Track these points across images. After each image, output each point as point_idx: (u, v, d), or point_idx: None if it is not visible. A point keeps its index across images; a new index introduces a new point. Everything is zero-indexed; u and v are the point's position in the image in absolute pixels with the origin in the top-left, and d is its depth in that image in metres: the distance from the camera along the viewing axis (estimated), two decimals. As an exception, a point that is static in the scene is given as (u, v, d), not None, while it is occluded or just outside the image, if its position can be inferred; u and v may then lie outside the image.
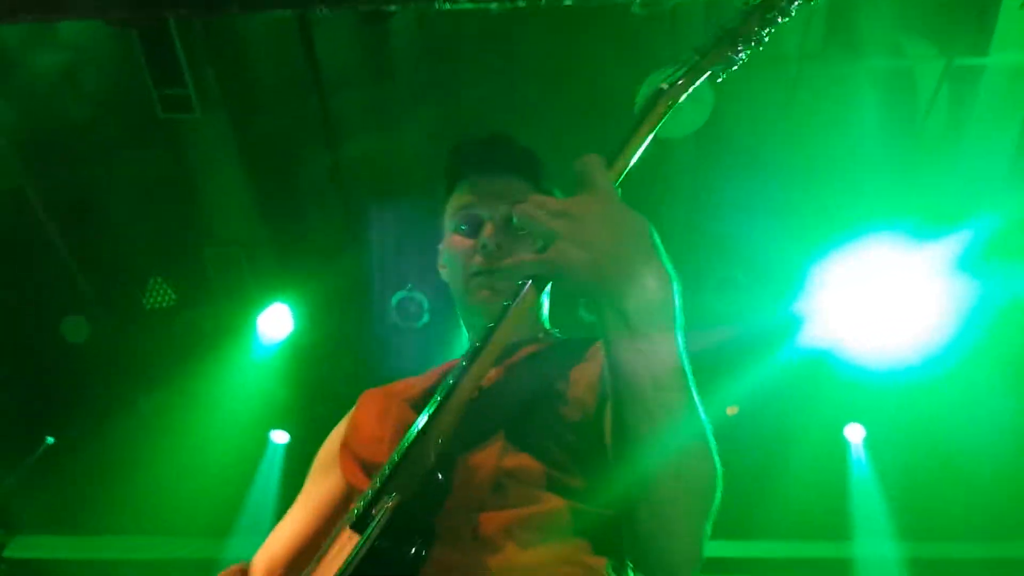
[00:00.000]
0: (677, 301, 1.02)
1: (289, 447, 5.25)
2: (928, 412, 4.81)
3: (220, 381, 4.78)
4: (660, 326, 1.02)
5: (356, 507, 1.17)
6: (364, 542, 1.06)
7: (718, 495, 1.09)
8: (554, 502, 1.25)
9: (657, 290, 1.01)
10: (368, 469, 1.41)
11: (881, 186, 4.02)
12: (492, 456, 1.27)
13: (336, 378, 5.00)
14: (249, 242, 4.61)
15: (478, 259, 1.53)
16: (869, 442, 5.23)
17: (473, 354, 1.12)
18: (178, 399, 4.81)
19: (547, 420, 1.31)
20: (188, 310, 4.78)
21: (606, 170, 1.07)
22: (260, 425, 5.13)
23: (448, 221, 1.63)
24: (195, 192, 4.50)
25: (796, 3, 1.18)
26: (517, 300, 1.09)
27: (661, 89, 1.17)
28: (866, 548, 5.21)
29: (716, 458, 1.08)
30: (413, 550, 1.07)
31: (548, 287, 1.13)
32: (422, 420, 1.12)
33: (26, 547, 5.55)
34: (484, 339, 1.12)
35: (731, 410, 4.73)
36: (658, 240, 1.03)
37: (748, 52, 1.19)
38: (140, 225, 4.57)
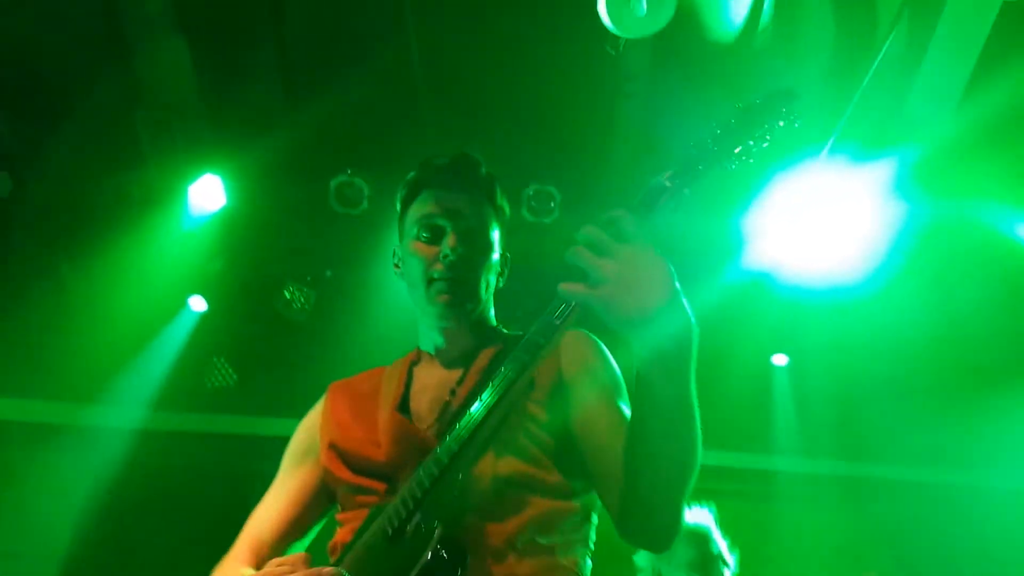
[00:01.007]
0: (696, 339, 1.24)
1: (206, 316, 5.14)
2: (855, 333, 4.97)
3: (147, 249, 4.65)
4: (683, 364, 1.24)
5: (387, 518, 1.40)
6: (412, 557, 1.29)
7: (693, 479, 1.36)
8: (541, 504, 1.48)
9: (684, 338, 1.22)
10: (361, 469, 1.60)
11: (824, 108, 4.02)
12: (488, 465, 1.45)
13: (268, 257, 4.90)
14: (183, 108, 4.40)
15: (439, 266, 1.68)
16: (796, 363, 5.38)
17: (505, 384, 1.37)
18: (101, 265, 4.67)
19: (523, 421, 1.50)
20: (117, 174, 4.59)
21: (639, 228, 1.23)
22: (183, 295, 5.01)
23: (408, 227, 1.78)
24: (128, 53, 4.25)
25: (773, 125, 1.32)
26: (563, 320, 1.35)
27: (664, 184, 1.34)
28: (788, 463, 5.40)
29: (700, 450, 1.32)
30: (460, 571, 1.30)
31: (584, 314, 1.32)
32: (453, 446, 1.37)
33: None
34: (518, 369, 1.37)
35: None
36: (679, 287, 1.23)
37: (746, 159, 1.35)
38: (70, 85, 4.33)
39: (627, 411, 1.53)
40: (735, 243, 4.57)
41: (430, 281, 1.69)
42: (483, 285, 1.71)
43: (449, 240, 1.68)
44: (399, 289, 1.85)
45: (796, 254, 4.53)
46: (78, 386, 5.03)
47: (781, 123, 1.32)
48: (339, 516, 1.68)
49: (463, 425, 1.38)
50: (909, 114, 3.92)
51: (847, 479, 5.49)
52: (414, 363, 1.78)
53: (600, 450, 1.49)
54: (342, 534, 1.61)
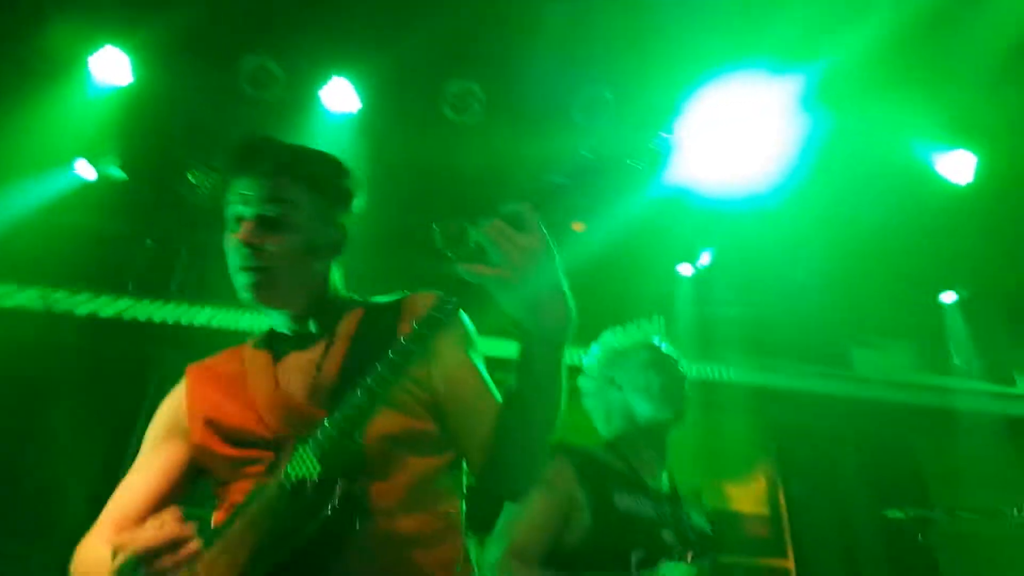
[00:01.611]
0: (573, 326, 1.40)
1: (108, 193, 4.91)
2: (766, 242, 5.12)
3: (46, 121, 4.40)
4: (562, 344, 1.42)
5: (284, 479, 1.45)
6: (312, 512, 1.37)
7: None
8: (423, 462, 1.59)
9: (565, 321, 1.39)
10: (244, 443, 1.61)
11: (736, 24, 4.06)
12: (378, 425, 1.52)
13: (172, 135, 4.67)
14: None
15: (238, 257, 1.67)
16: (708, 269, 5.52)
17: (405, 355, 1.47)
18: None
19: (401, 380, 1.53)
20: (16, 43, 4.25)
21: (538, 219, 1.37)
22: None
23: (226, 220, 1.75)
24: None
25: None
26: (461, 299, 1.47)
27: (556, 182, 1.44)
28: (700, 369, 5.56)
29: (563, 411, 1.50)
30: (359, 525, 1.39)
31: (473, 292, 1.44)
32: (350, 412, 1.45)
33: None
34: (419, 342, 1.48)
35: (577, 226, 4.86)
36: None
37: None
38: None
39: (485, 373, 1.68)
40: (653, 158, 4.60)
41: (236, 273, 1.68)
42: (293, 268, 1.69)
43: (241, 231, 1.66)
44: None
45: (709, 167, 4.61)
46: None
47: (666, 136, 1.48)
48: (219, 491, 1.67)
49: (360, 392, 1.45)
50: (817, 30, 3.98)
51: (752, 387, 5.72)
52: (274, 343, 1.78)
53: (467, 411, 1.62)
54: (229, 500, 1.61)
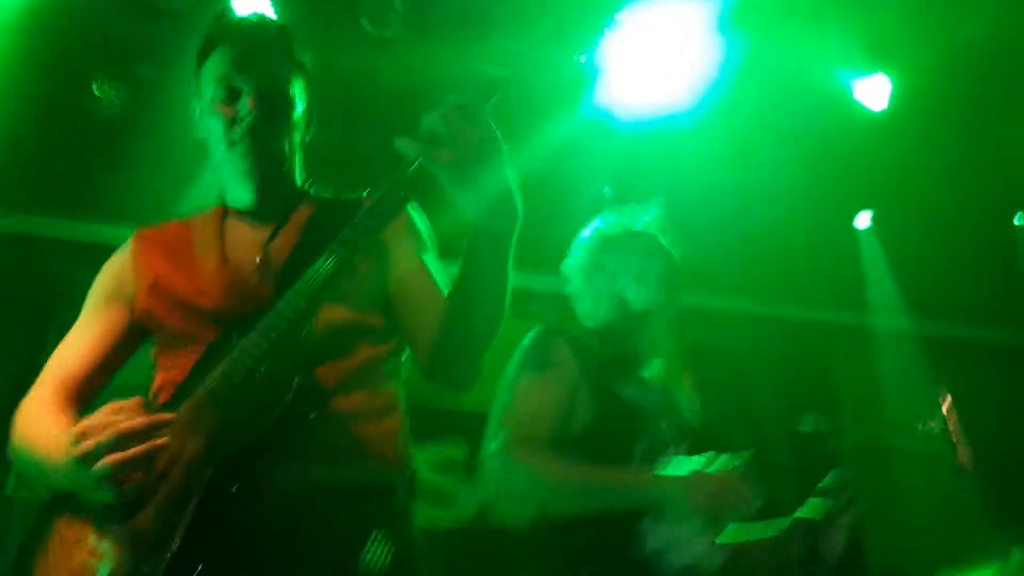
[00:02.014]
0: (520, 221, 1.44)
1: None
2: (684, 165, 5.15)
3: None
4: (509, 239, 1.45)
5: (232, 366, 1.46)
6: (270, 402, 1.40)
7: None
8: (366, 349, 1.65)
9: (514, 216, 1.44)
10: (188, 314, 1.65)
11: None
12: (324, 315, 1.55)
13: (76, 47, 4.43)
14: None
15: (238, 128, 1.70)
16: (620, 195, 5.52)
17: (351, 247, 1.48)
18: None
19: (352, 274, 1.56)
20: None
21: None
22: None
23: (205, 83, 1.77)
24: None
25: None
26: (408, 194, 1.48)
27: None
28: None
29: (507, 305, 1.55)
30: (313, 415, 1.43)
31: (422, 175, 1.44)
32: (299, 301, 1.47)
33: None
34: (365, 233, 1.48)
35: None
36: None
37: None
38: None
39: (435, 268, 1.74)
40: (576, 81, 4.57)
41: (231, 143, 1.72)
42: (285, 144, 1.77)
43: (248, 102, 1.70)
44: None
45: (628, 90, 4.59)
46: None
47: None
48: (161, 358, 1.71)
49: (308, 280, 1.47)
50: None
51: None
52: (223, 217, 1.82)
53: (415, 309, 1.68)
54: (170, 375, 1.64)
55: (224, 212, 1.82)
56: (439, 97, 1.38)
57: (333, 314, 1.58)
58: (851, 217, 5.89)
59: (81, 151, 4.74)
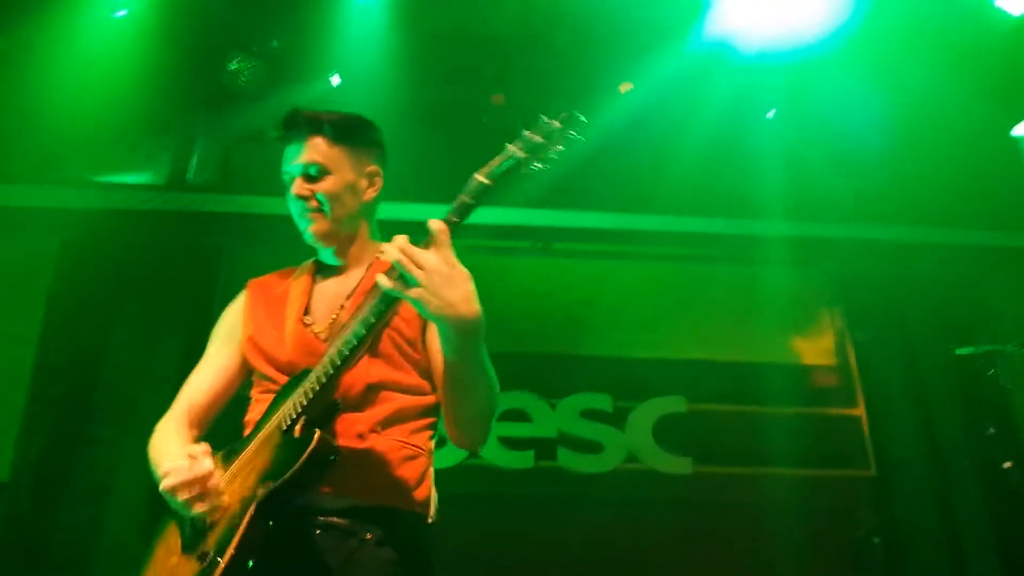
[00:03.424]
0: (483, 329, 1.69)
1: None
2: (818, 94, 4.94)
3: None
4: (476, 343, 1.71)
5: (283, 415, 1.80)
6: (296, 453, 1.69)
7: (497, 410, 1.88)
8: (399, 399, 1.92)
9: (476, 325, 1.67)
10: (270, 363, 2.01)
11: None
12: (361, 371, 1.87)
13: (211, 26, 4.66)
14: None
15: (296, 207, 2.06)
16: (769, 123, 5.38)
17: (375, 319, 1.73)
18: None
19: (393, 338, 1.93)
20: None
21: (449, 239, 1.64)
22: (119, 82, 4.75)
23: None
24: None
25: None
26: (384, 316, 1.73)
27: (481, 182, 1.69)
28: (758, 227, 5.47)
29: (497, 391, 1.83)
30: (332, 457, 1.71)
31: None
32: (336, 360, 1.75)
33: None
34: (379, 314, 1.72)
35: (624, 87, 4.81)
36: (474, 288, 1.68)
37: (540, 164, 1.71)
38: None
39: None
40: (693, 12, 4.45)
41: (297, 220, 2.08)
42: (335, 212, 2.05)
43: (292, 188, 2.05)
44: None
45: (754, 18, 4.44)
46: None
47: (572, 133, 1.70)
48: (253, 393, 2.08)
49: (345, 342, 1.74)
50: None
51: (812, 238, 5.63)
52: (316, 273, 2.15)
53: (439, 375, 1.93)
54: (254, 411, 2.01)
55: (317, 267, 2.17)
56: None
57: (372, 372, 1.90)
58: (1008, 127, 5.45)
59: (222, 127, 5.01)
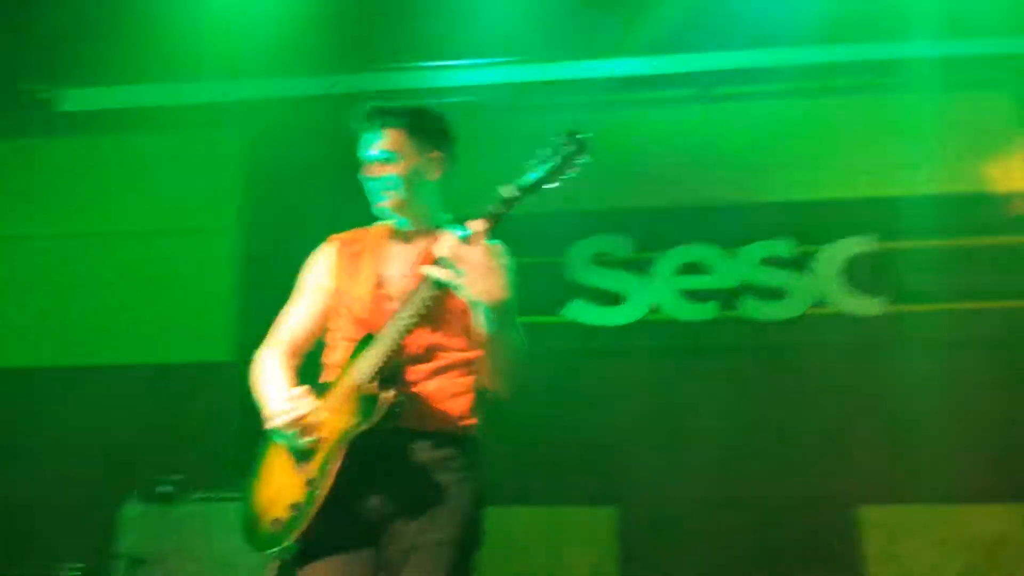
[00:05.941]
0: (515, 308, 2.11)
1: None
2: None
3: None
4: (509, 319, 2.11)
5: (359, 370, 2.19)
6: (374, 405, 2.11)
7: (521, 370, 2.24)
8: (451, 356, 2.30)
9: (508, 306, 2.07)
10: (351, 318, 2.36)
11: None
12: (422, 336, 2.25)
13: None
14: None
15: (371, 186, 2.41)
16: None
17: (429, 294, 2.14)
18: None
19: (448, 308, 2.27)
20: None
21: (487, 234, 2.04)
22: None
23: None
24: None
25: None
26: (425, 297, 2.13)
27: (514, 195, 2.09)
28: (934, 48, 5.11)
29: (523, 353, 2.20)
30: (398, 409, 2.13)
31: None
32: (402, 326, 2.16)
33: (76, 100, 5.62)
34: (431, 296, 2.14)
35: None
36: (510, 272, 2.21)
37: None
38: None
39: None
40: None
41: (373, 197, 2.42)
42: (404, 191, 2.37)
43: (369, 170, 2.40)
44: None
45: None
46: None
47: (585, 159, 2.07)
48: (328, 337, 2.44)
49: (409, 315, 2.13)
50: None
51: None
52: (391, 236, 2.46)
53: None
54: (334, 355, 2.37)
55: (392, 232, 2.47)
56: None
57: (430, 337, 2.27)
58: None
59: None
